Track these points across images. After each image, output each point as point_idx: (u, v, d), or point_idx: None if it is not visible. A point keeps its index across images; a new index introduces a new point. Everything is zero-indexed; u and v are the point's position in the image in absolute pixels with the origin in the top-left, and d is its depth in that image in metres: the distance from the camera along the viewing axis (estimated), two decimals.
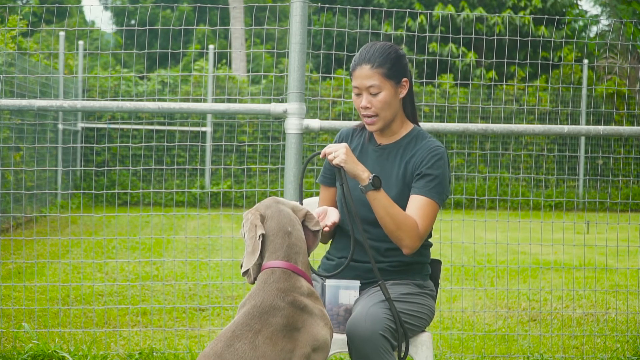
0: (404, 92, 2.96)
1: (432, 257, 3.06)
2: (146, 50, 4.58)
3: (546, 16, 4.89)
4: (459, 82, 7.65)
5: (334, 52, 4.63)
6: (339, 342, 2.80)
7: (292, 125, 3.83)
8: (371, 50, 2.92)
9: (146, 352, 4.26)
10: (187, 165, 7.34)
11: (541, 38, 13.28)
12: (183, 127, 11.22)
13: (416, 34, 4.84)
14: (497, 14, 6.83)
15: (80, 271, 6.49)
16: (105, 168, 7.79)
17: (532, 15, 8.57)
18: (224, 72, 14.97)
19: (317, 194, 4.77)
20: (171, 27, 4.64)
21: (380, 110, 2.92)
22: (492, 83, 5.09)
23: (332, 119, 12.33)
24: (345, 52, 4.52)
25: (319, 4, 8.87)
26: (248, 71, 16.90)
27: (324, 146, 2.98)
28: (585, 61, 13.70)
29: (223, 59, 18.79)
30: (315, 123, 3.87)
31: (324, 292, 2.85)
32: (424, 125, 3.90)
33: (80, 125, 12.32)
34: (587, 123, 13.47)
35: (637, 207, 10.61)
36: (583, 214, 10.56)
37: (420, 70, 15.13)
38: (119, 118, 12.81)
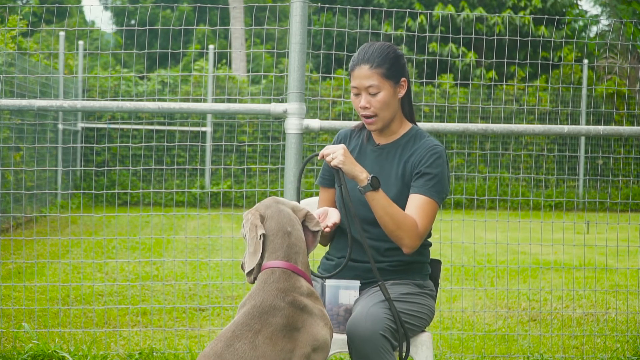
0: (402, 92, 2.96)
1: (432, 257, 3.06)
2: (146, 50, 4.58)
3: (546, 16, 4.89)
4: (459, 82, 7.65)
5: (334, 52, 4.63)
6: (339, 342, 2.80)
7: (292, 125, 3.83)
8: (370, 50, 2.91)
9: (146, 352, 4.26)
10: (187, 165, 7.33)
11: (541, 38, 13.28)
12: (183, 127, 11.22)
13: (416, 34, 4.84)
14: (497, 14, 6.83)
15: (80, 271, 6.49)
16: (105, 168, 7.79)
17: (532, 15, 8.57)
18: (224, 72, 14.96)
19: (317, 194, 4.77)
20: (171, 27, 4.64)
21: (379, 110, 2.92)
22: (492, 83, 5.09)
23: (332, 119, 12.32)
24: (345, 52, 4.51)
25: (319, 4, 8.87)
26: (248, 71, 16.90)
27: (324, 146, 2.98)
28: (585, 61, 13.70)
29: (223, 59, 18.79)
30: (315, 123, 3.86)
31: (324, 292, 2.85)
32: (424, 125, 3.90)
33: (80, 125, 12.32)
34: (587, 123, 13.47)
35: (637, 207, 10.61)
36: (583, 214, 10.56)
37: (420, 70, 15.13)
38: (119, 118, 12.81)
